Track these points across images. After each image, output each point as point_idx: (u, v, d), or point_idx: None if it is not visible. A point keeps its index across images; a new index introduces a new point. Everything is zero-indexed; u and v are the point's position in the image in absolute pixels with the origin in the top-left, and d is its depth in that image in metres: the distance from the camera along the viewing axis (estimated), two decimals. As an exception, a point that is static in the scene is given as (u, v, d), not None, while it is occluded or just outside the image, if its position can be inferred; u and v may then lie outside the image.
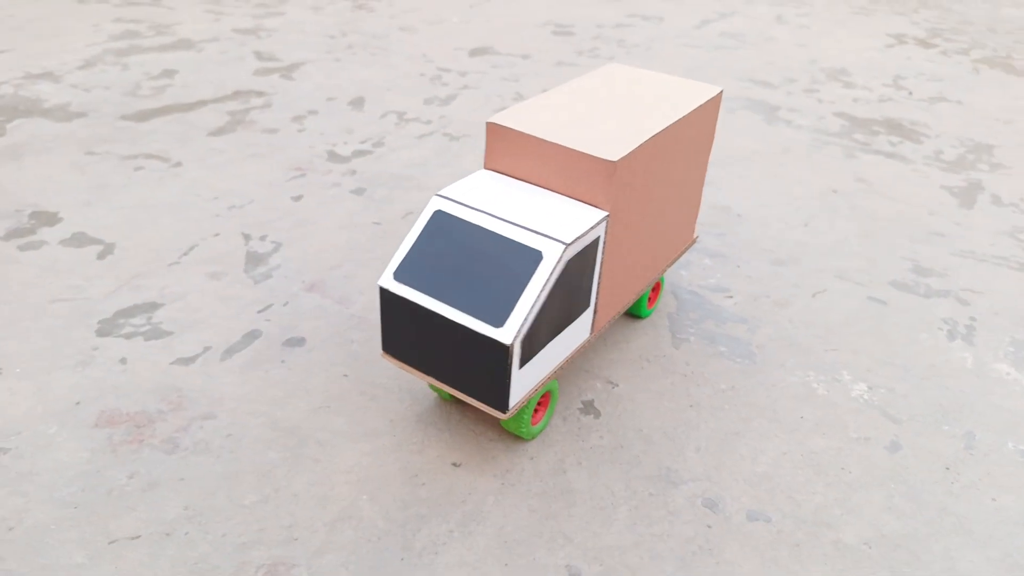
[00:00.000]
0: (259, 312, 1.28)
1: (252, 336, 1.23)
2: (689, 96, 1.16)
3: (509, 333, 0.89)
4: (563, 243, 0.91)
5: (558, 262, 0.90)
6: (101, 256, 1.41)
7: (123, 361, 1.16)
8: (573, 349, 1.05)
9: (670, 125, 1.06)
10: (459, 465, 1.03)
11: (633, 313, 1.30)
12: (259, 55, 2.44)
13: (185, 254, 1.43)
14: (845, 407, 1.17)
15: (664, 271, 1.26)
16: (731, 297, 1.40)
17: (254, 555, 0.89)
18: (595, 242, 0.97)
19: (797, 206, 1.74)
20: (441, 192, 1.00)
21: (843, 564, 0.92)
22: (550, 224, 0.94)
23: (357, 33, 2.72)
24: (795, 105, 2.32)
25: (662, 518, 0.97)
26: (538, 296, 0.90)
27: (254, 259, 1.42)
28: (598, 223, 0.96)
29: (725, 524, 0.97)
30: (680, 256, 1.32)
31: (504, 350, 0.89)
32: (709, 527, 0.96)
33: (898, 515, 0.99)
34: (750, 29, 3.08)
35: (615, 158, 0.95)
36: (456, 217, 0.97)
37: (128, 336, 1.21)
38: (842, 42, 2.99)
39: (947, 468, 1.07)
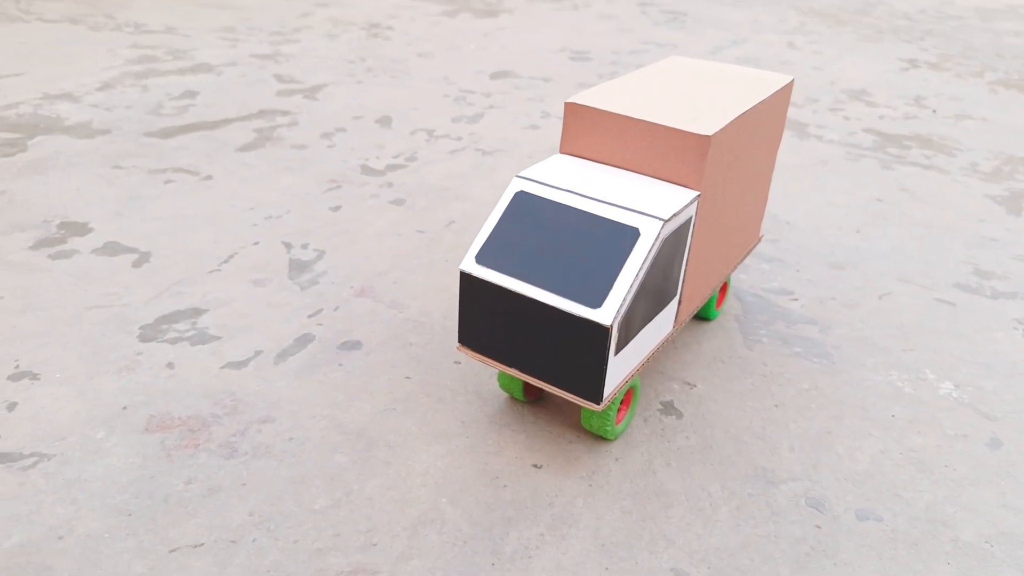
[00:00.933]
0: (310, 317, 1.22)
1: (305, 340, 1.16)
2: (763, 83, 1.12)
3: (608, 314, 0.83)
4: (661, 219, 0.86)
5: (656, 240, 0.85)
6: (137, 264, 1.34)
7: (170, 366, 1.09)
8: (658, 342, 0.99)
9: (752, 108, 1.02)
10: (541, 467, 0.96)
11: (701, 315, 1.24)
12: (280, 78, 2.41)
13: (225, 262, 1.36)
14: (936, 405, 1.10)
15: (734, 269, 1.21)
16: (796, 299, 1.35)
17: (332, 561, 0.81)
18: (687, 223, 0.92)
19: (845, 213, 1.69)
20: (522, 173, 0.95)
21: (967, 563, 0.85)
22: (643, 201, 0.89)
23: (375, 58, 2.70)
24: (823, 122, 2.31)
25: (767, 519, 0.90)
26: (636, 276, 0.84)
27: (298, 266, 1.36)
28: (691, 202, 0.91)
29: (834, 524, 0.90)
30: (747, 255, 1.27)
31: (603, 332, 0.83)
32: (818, 527, 0.89)
33: (1015, 512, 0.93)
34: (764, 54, 3.09)
35: (709, 133, 0.90)
36: (540, 197, 0.91)
37: (173, 341, 1.14)
38: (857, 66, 2.99)
39: (1054, 465, 1.01)
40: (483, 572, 0.81)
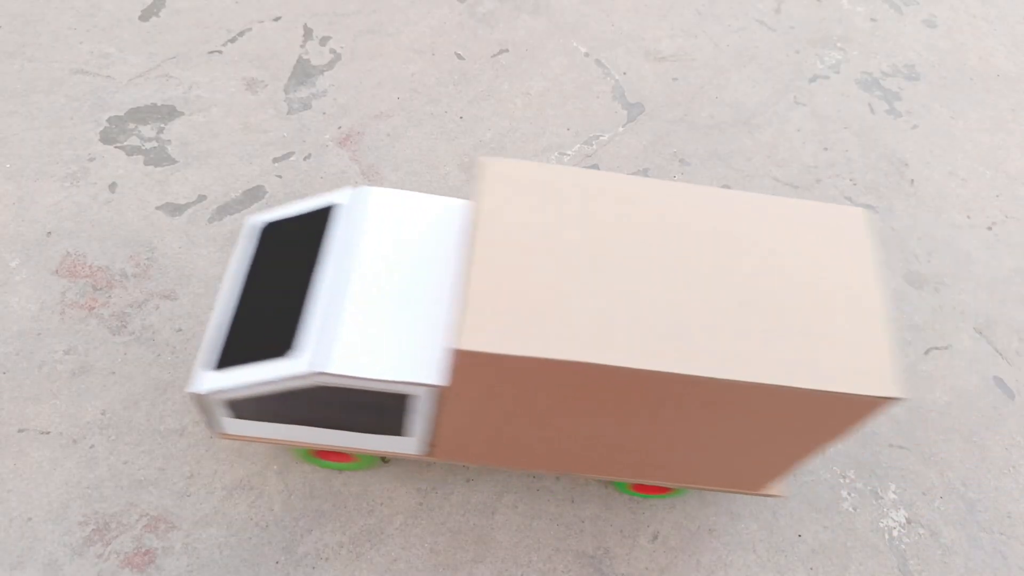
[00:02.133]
0: (275, 161, 1.12)
1: (254, 195, 1.08)
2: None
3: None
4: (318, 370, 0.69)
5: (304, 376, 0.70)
6: (144, 16, 1.23)
7: (112, 188, 1.06)
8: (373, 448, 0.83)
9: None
10: (388, 461, 0.93)
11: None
12: None
13: (232, 40, 1.22)
14: None
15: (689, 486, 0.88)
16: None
17: (144, 499, 0.87)
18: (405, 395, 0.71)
19: None
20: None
21: None
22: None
23: None
24: None
25: (569, 616, 0.86)
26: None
27: (302, 72, 1.21)
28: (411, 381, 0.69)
29: (633, 651, 0.85)
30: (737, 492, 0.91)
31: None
32: (613, 648, 0.85)
33: None
34: None
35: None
36: None
37: (130, 152, 1.10)
38: None
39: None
40: (265, 566, 0.85)
